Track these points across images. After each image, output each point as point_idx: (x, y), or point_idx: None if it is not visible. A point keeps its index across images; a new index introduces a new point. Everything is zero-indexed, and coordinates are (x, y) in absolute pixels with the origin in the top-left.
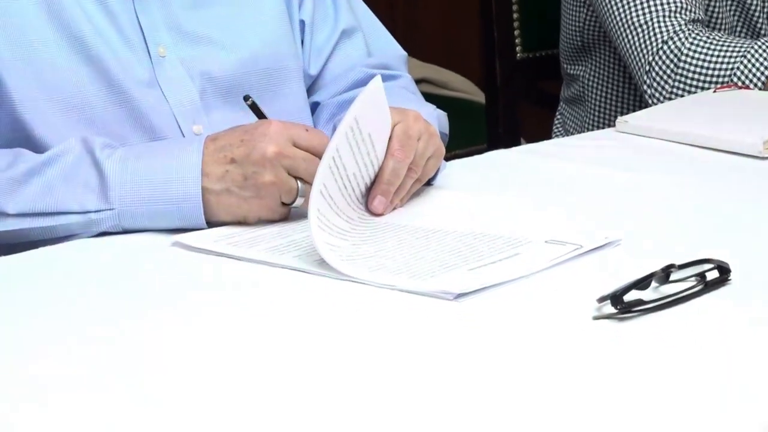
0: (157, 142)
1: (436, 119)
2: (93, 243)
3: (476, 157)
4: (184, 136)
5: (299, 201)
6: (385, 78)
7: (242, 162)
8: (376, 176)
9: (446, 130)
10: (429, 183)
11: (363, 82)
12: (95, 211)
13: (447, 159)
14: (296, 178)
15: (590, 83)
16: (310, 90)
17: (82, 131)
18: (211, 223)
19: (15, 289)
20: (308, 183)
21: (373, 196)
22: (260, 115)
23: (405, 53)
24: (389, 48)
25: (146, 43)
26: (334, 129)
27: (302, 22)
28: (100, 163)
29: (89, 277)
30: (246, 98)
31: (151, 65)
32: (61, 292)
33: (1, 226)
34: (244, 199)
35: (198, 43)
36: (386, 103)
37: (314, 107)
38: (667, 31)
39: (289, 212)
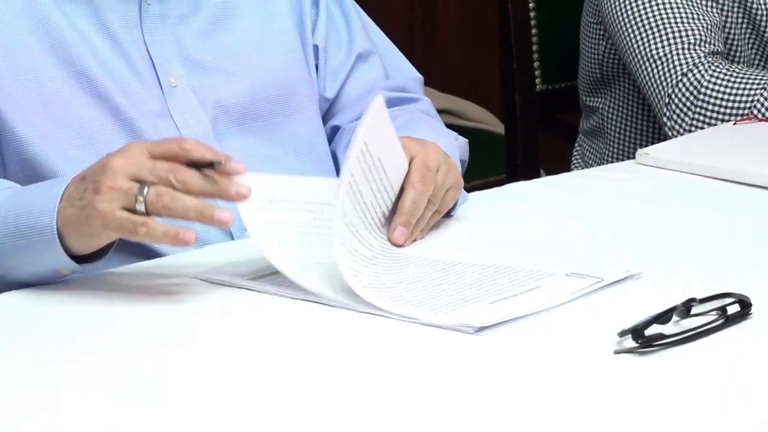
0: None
1: (457, 147)
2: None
3: (496, 189)
4: None
5: (140, 205)
6: (405, 100)
7: (89, 177)
8: (396, 207)
9: (467, 157)
10: (448, 214)
11: None
12: None
13: (466, 189)
14: (143, 182)
15: (609, 115)
16: (328, 114)
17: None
18: (75, 257)
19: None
20: (156, 184)
21: (394, 227)
22: None
23: (420, 76)
24: (405, 71)
25: (157, 74)
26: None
27: (316, 47)
28: None
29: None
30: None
31: (163, 96)
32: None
33: None
34: (81, 209)
35: (209, 72)
36: (391, 124)
37: (334, 132)
38: (687, 63)
39: (145, 220)
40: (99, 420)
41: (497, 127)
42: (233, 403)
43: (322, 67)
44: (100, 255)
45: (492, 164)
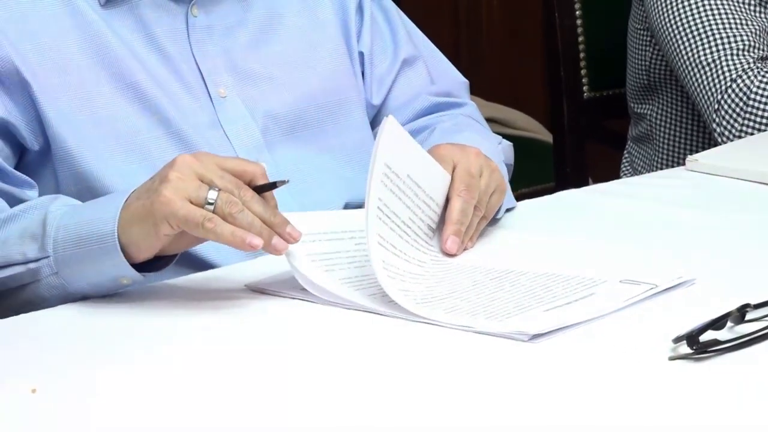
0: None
1: (501, 151)
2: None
3: (546, 197)
4: None
5: (209, 208)
6: (450, 105)
7: (156, 175)
8: (445, 217)
9: (511, 161)
10: (494, 219)
11: (428, 111)
12: (35, 260)
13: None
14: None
15: (658, 122)
16: (375, 120)
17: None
18: (143, 268)
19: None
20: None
21: (446, 237)
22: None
23: (466, 80)
24: (451, 75)
25: (206, 86)
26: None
27: (361, 54)
28: (49, 214)
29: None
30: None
31: (213, 107)
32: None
33: None
34: (141, 206)
35: (258, 82)
36: (410, 139)
37: None
38: (736, 69)
39: (212, 216)
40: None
41: (544, 135)
42: (291, 413)
43: (368, 74)
44: (162, 266)
45: (539, 172)
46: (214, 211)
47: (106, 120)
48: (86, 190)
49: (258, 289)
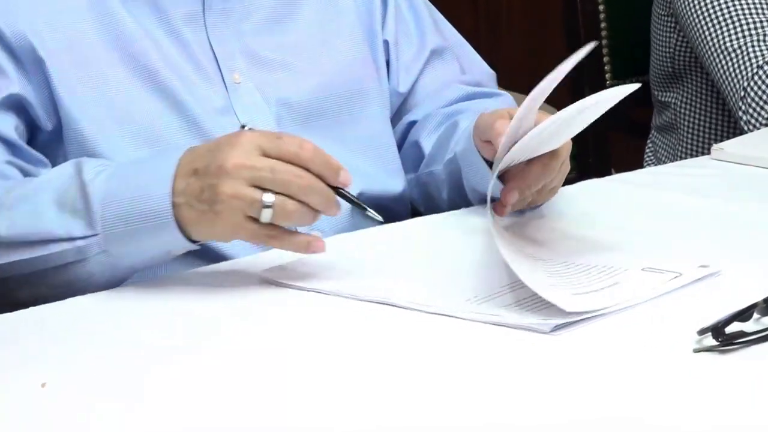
0: (151, 153)
1: None
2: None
3: (568, 186)
4: None
5: (266, 214)
6: (485, 95)
7: (202, 173)
8: (521, 170)
9: None
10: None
11: (461, 100)
12: (81, 238)
13: None
14: (265, 189)
15: (682, 110)
16: (403, 109)
17: None
18: (196, 242)
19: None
20: (279, 194)
21: (510, 188)
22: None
23: (493, 72)
24: (479, 66)
25: (220, 71)
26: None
27: (386, 42)
28: (86, 185)
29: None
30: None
31: (226, 92)
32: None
33: (2, 258)
34: (202, 212)
35: (273, 69)
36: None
37: (410, 126)
38: (762, 56)
39: (274, 231)
40: (174, 419)
41: None
42: (309, 403)
43: (393, 62)
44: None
45: None
46: (273, 219)
47: (119, 102)
48: None
49: (273, 281)
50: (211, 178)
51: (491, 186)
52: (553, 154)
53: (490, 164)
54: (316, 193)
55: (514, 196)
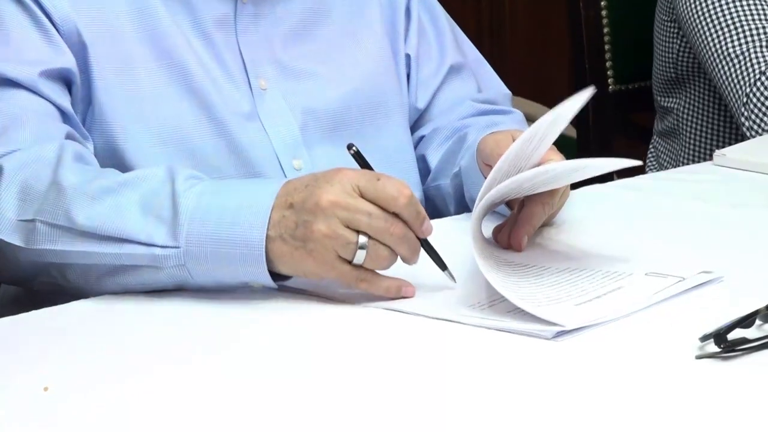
0: (246, 179)
1: None
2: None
3: (572, 192)
4: (283, 170)
5: (360, 256)
6: (497, 112)
7: (298, 208)
8: (520, 214)
9: None
10: None
11: (471, 116)
12: (161, 247)
13: None
14: (359, 231)
15: (685, 116)
16: (418, 123)
17: (180, 163)
18: (277, 276)
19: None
20: (372, 239)
21: (521, 236)
22: (364, 164)
23: (509, 92)
24: (495, 85)
25: (248, 76)
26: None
27: (408, 56)
28: (178, 195)
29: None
30: (350, 147)
31: (252, 98)
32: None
33: (68, 245)
34: (295, 248)
35: (300, 78)
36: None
37: (419, 141)
38: (765, 62)
39: (365, 275)
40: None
41: (567, 129)
42: (316, 408)
43: (413, 77)
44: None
45: None
46: (364, 262)
47: (147, 98)
48: (119, 168)
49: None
50: (306, 214)
51: (475, 215)
52: (551, 192)
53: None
54: (406, 243)
55: (525, 240)
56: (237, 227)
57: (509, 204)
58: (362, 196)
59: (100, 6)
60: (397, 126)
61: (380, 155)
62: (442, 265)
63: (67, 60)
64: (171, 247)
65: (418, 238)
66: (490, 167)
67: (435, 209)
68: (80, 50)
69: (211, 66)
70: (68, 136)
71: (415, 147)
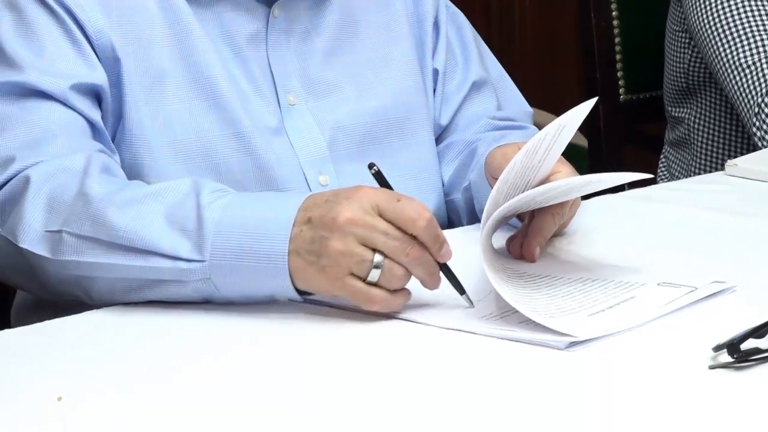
0: (270, 192)
1: None
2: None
3: (583, 202)
4: (309, 186)
5: (374, 275)
6: (512, 128)
7: (316, 224)
8: (531, 224)
9: None
10: None
11: (485, 132)
12: (186, 260)
13: None
14: (375, 250)
15: (696, 126)
16: (438, 139)
17: (204, 177)
18: (303, 292)
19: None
20: (388, 257)
21: (533, 247)
22: (384, 184)
23: (531, 110)
24: (517, 103)
25: (276, 92)
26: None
27: (435, 71)
28: (203, 207)
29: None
30: (371, 166)
31: (280, 113)
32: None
33: (94, 256)
34: (309, 263)
35: (328, 93)
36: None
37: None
38: None
39: (380, 297)
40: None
41: (578, 138)
42: (325, 417)
43: (439, 92)
44: None
45: None
46: (378, 281)
47: (174, 114)
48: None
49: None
50: (323, 230)
51: (484, 232)
52: (562, 203)
53: None
54: (423, 266)
55: (537, 251)
56: (260, 240)
57: (519, 215)
58: (381, 215)
59: (134, 19)
60: (424, 142)
61: (407, 171)
62: (461, 290)
63: (98, 76)
64: (196, 261)
65: (437, 262)
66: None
67: (449, 223)
68: (113, 65)
69: (240, 81)
70: (98, 150)
71: None
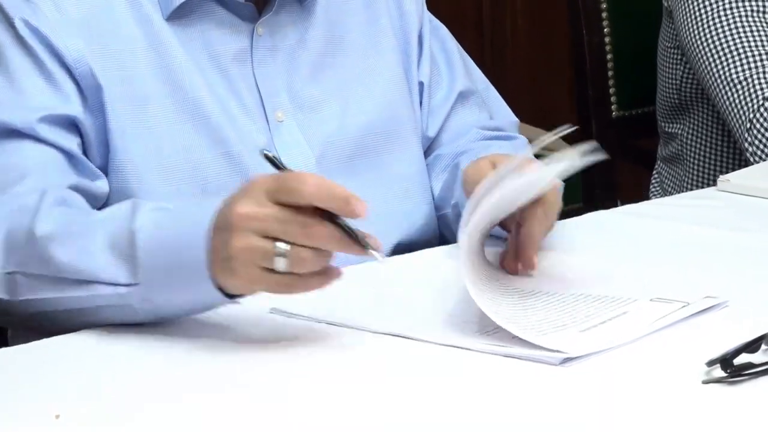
0: (197, 201)
1: None
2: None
3: (574, 218)
4: None
5: (281, 263)
6: (501, 138)
7: (221, 228)
8: (522, 237)
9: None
10: None
11: (473, 142)
12: (125, 285)
13: None
14: (276, 239)
15: (689, 141)
16: (426, 151)
17: (194, 199)
18: (230, 296)
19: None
20: (291, 243)
21: (530, 257)
22: (279, 167)
23: (517, 120)
24: (503, 113)
25: (264, 108)
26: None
27: (421, 84)
28: (135, 232)
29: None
30: (262, 152)
31: (269, 131)
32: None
33: (46, 292)
34: (224, 269)
35: (316, 108)
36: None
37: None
38: None
39: (296, 281)
40: None
41: None
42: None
43: (425, 104)
44: None
45: (566, 193)
46: (288, 268)
47: (163, 136)
48: None
49: (285, 313)
50: (225, 232)
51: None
52: (540, 202)
53: None
54: (332, 240)
55: (535, 259)
56: (182, 252)
57: (505, 227)
58: (273, 198)
59: (116, 45)
60: (412, 154)
61: (397, 184)
62: (363, 244)
63: (72, 108)
64: (133, 285)
65: (340, 226)
66: None
67: (443, 239)
68: (96, 92)
69: (226, 100)
70: (73, 182)
71: None
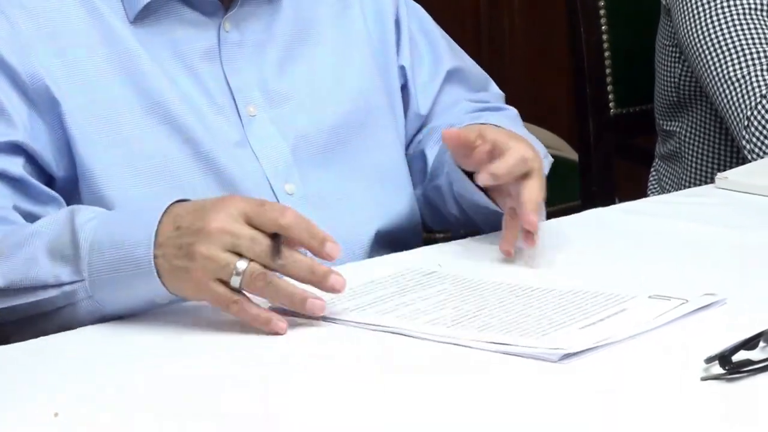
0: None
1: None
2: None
3: (573, 216)
4: (276, 196)
5: (235, 280)
6: (492, 109)
7: (184, 231)
8: (520, 201)
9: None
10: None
11: (465, 114)
12: (69, 283)
13: None
14: (241, 256)
15: (687, 139)
16: (422, 126)
17: (170, 200)
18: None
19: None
20: (255, 262)
21: (530, 219)
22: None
23: (502, 93)
24: (489, 87)
25: (236, 103)
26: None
27: (402, 67)
28: (77, 232)
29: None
30: None
31: (242, 125)
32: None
33: None
34: (175, 267)
35: (288, 101)
36: None
37: (419, 141)
38: (766, 85)
39: (238, 297)
40: None
41: (568, 152)
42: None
43: (411, 85)
44: None
45: (564, 191)
46: (241, 285)
47: (133, 140)
48: None
49: (281, 310)
50: (190, 237)
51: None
52: (528, 175)
53: (470, 174)
54: (297, 266)
55: (534, 220)
56: (126, 248)
57: (498, 203)
58: (249, 223)
59: (76, 55)
60: (389, 143)
61: (375, 172)
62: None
63: (16, 132)
64: (77, 281)
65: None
66: (464, 156)
67: (437, 211)
68: (52, 107)
69: (196, 99)
70: (16, 204)
71: (417, 148)
